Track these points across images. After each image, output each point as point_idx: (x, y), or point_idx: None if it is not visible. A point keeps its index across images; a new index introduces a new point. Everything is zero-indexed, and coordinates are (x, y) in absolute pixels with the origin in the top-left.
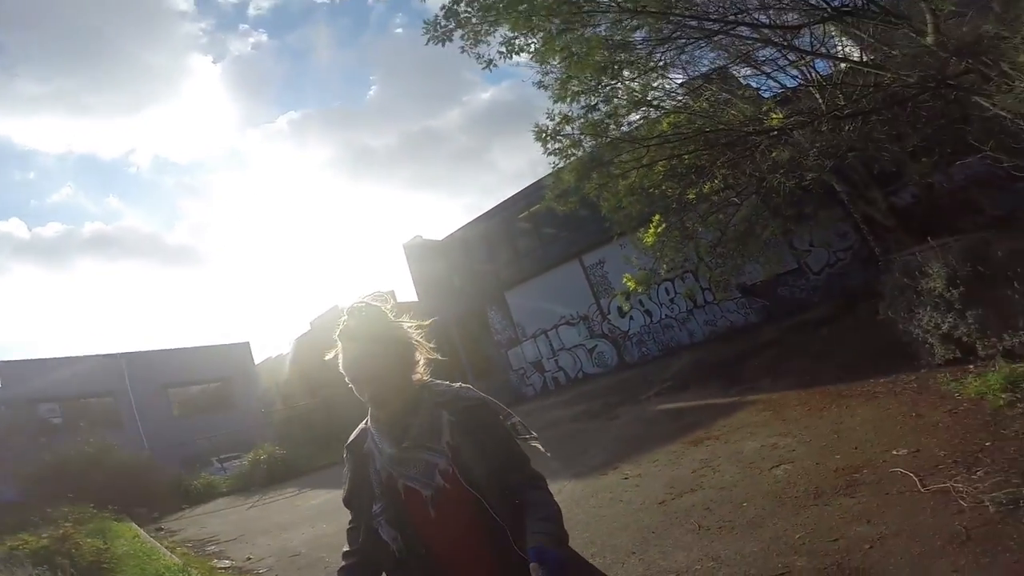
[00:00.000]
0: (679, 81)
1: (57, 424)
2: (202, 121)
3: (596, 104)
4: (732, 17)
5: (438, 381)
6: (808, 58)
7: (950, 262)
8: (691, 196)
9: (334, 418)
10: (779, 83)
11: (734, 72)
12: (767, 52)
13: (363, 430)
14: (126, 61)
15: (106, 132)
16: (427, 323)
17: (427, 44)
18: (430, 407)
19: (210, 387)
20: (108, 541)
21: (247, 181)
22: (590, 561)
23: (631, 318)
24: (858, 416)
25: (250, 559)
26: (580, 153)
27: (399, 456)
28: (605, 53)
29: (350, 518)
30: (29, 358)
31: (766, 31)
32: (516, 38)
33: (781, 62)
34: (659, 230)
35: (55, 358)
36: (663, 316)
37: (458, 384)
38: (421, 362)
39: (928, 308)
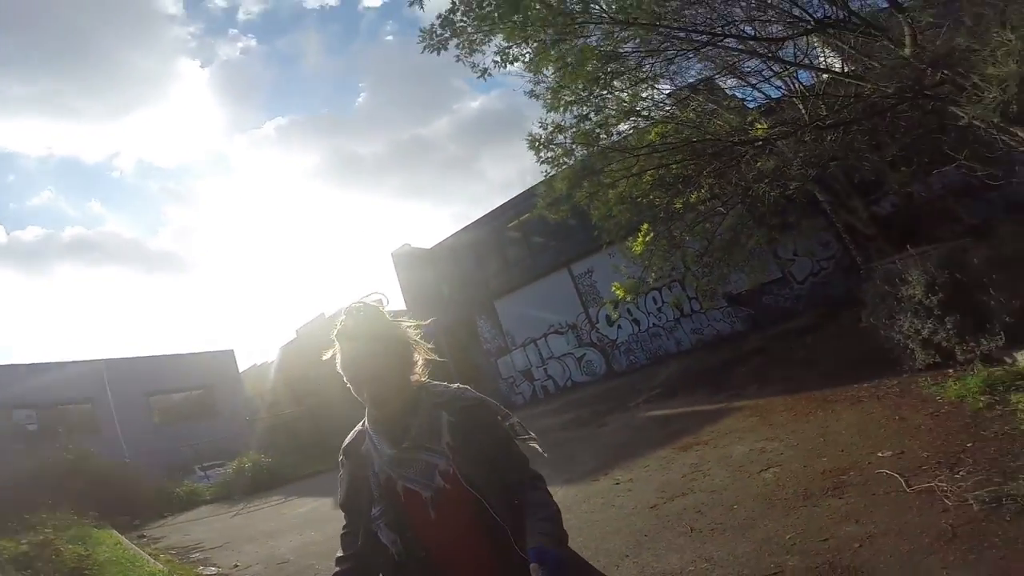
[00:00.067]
0: (667, 91)
1: (33, 431)
2: (188, 126)
3: (588, 114)
4: (719, 29)
5: (435, 382)
6: (792, 69)
7: (929, 270)
8: (678, 205)
9: (320, 426)
10: (764, 94)
11: (720, 83)
12: (752, 63)
13: (360, 432)
14: (113, 64)
15: (90, 135)
16: (426, 322)
17: (423, 52)
18: (429, 408)
19: (193, 395)
20: (89, 548)
21: (233, 187)
22: None
23: (619, 327)
24: (843, 420)
25: (237, 566)
26: (572, 162)
27: (398, 457)
28: (596, 63)
29: (344, 523)
30: (5, 364)
31: (752, 43)
32: (510, 47)
33: (766, 73)
34: (647, 239)
35: (32, 364)
36: (651, 325)
37: (456, 385)
38: (420, 363)
39: (908, 314)
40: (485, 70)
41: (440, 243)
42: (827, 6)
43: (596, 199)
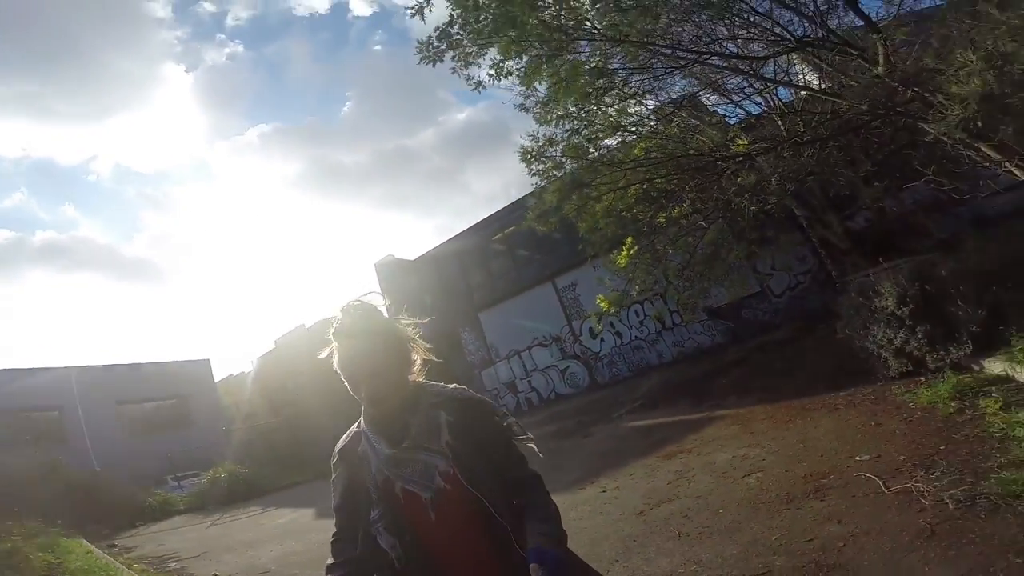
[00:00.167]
0: (652, 107)
1: None
2: (170, 131)
3: (579, 128)
4: (705, 47)
5: (432, 382)
6: (772, 86)
7: (900, 282)
8: (661, 219)
9: (298, 437)
10: (745, 110)
11: (703, 99)
12: (735, 80)
13: (355, 433)
14: (97, 66)
15: (68, 137)
16: (425, 321)
17: (420, 63)
18: (427, 407)
19: (167, 404)
20: (60, 556)
21: (212, 194)
22: None
23: (602, 340)
24: (821, 427)
25: (216, 575)
26: (561, 174)
27: (397, 457)
28: (587, 79)
29: (336, 529)
30: None
31: (735, 60)
32: (505, 61)
33: (748, 90)
34: (632, 252)
35: None
36: (633, 338)
37: (453, 385)
38: (418, 362)
39: (882, 325)
40: (479, 83)
41: (424, 254)
42: (807, 25)
43: (583, 212)
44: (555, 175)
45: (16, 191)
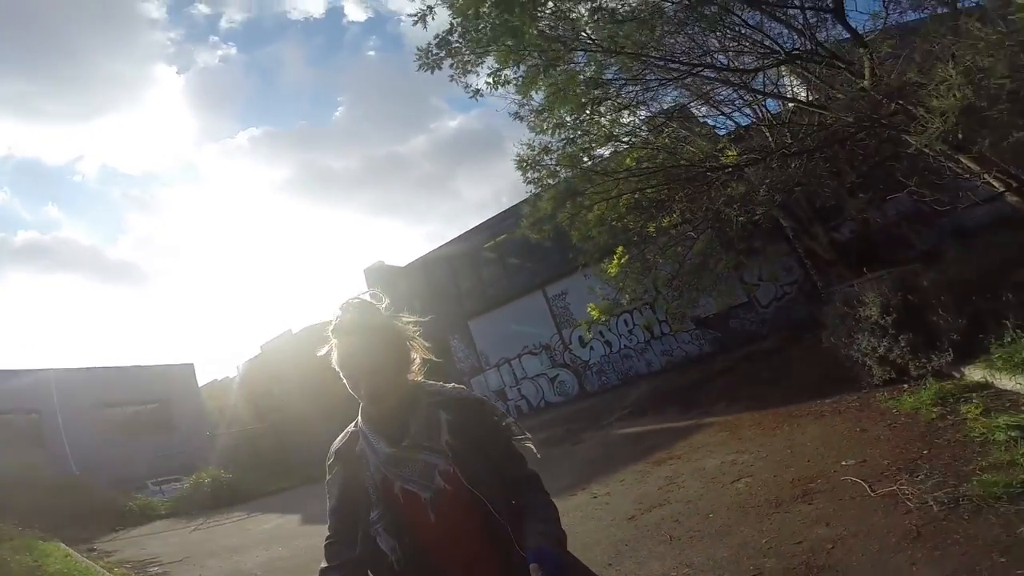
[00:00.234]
0: (643, 117)
1: None
2: (159, 132)
3: (574, 137)
4: (697, 59)
5: (431, 381)
6: (761, 98)
7: (884, 292)
8: (651, 229)
9: (284, 443)
10: (734, 121)
11: (694, 110)
12: (724, 92)
13: (353, 433)
14: (88, 66)
15: (54, 137)
16: (425, 319)
17: (418, 70)
18: (427, 406)
19: (148, 408)
20: (38, 560)
21: (200, 197)
22: None
23: (592, 348)
24: (808, 433)
25: None
26: (556, 182)
27: (397, 456)
28: (583, 88)
29: (329, 532)
30: None
31: (726, 73)
32: (502, 70)
33: (738, 103)
34: (622, 261)
35: None
36: (622, 346)
37: (451, 384)
38: (417, 360)
39: (866, 334)
40: (477, 91)
41: (414, 261)
42: (796, 37)
43: (576, 220)
44: (549, 183)
45: None
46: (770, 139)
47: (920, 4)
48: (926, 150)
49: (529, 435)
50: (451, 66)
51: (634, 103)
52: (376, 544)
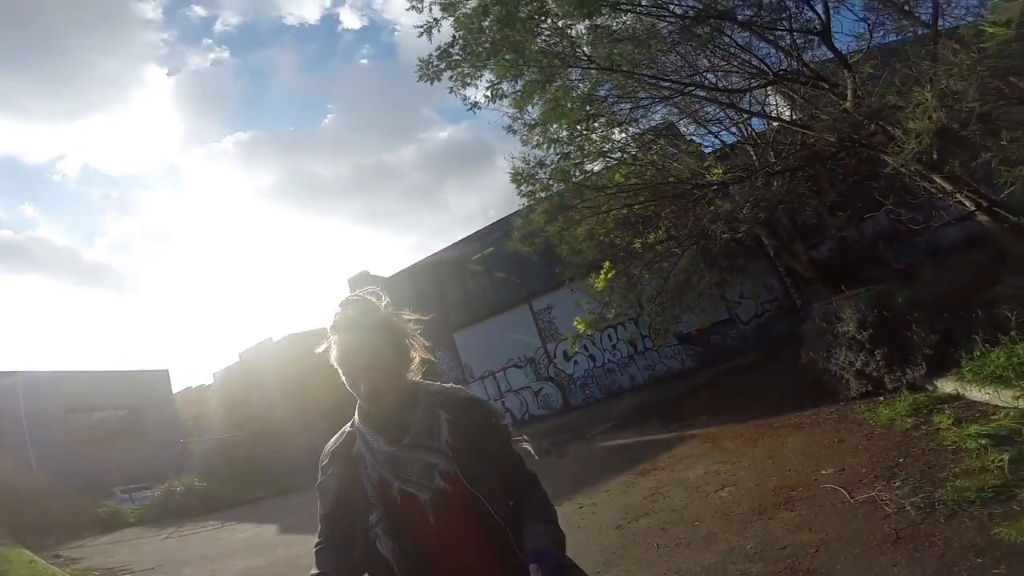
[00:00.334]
0: (633, 134)
1: None
2: (144, 134)
3: (569, 152)
4: (687, 78)
5: (429, 381)
6: (748, 117)
7: (861, 309)
8: (637, 245)
9: (261, 453)
10: (720, 140)
11: (682, 128)
12: (711, 110)
13: (348, 433)
14: (78, 65)
15: (37, 135)
16: (426, 318)
17: (419, 80)
18: (426, 405)
19: (119, 414)
20: (0, 566)
21: (181, 200)
22: None
23: (576, 362)
24: (788, 444)
25: None
26: (548, 196)
27: (397, 455)
28: (578, 104)
29: (321, 538)
30: None
31: (715, 92)
32: (500, 83)
33: (726, 122)
34: (609, 276)
35: None
36: (606, 361)
37: (449, 384)
38: (416, 359)
39: (843, 348)
40: (475, 104)
41: (399, 272)
42: (782, 57)
43: (566, 234)
44: (542, 197)
45: None
46: (754, 158)
47: (902, 28)
48: (902, 170)
49: (526, 436)
50: (450, 78)
51: (627, 120)
52: (374, 548)
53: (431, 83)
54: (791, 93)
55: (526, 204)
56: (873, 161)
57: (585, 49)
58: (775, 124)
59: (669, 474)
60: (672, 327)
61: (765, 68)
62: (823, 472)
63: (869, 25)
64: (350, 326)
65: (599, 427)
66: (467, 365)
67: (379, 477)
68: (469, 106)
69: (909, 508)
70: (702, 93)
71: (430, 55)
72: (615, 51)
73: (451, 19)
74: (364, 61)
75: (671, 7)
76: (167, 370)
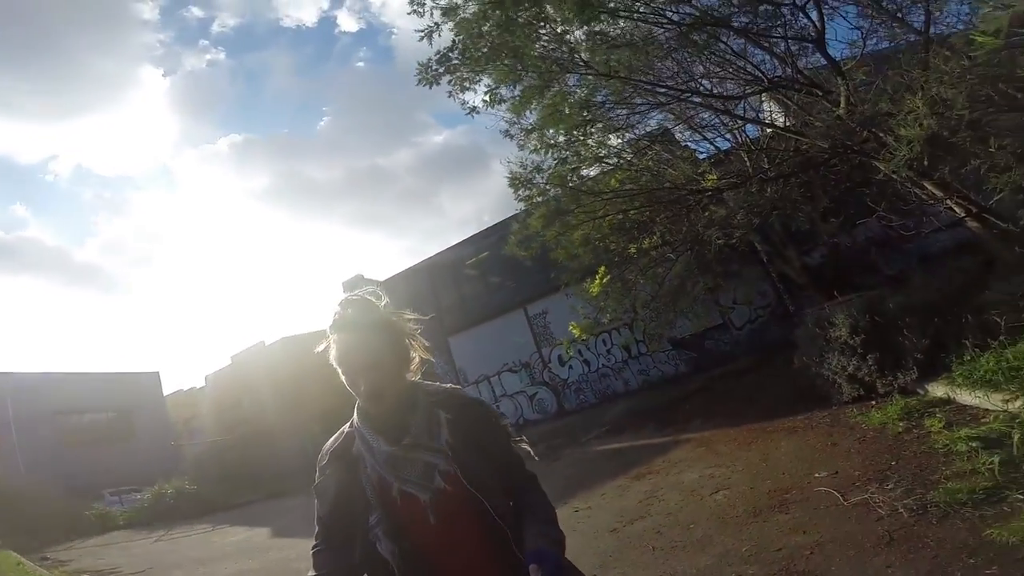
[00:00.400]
0: (629, 139)
1: None
2: (138, 134)
3: (566, 157)
4: (683, 84)
5: (427, 382)
6: (742, 123)
7: (853, 314)
8: (632, 250)
9: (252, 456)
10: (714, 146)
11: (677, 134)
12: (706, 116)
13: (347, 434)
14: (74, 64)
15: (31, 135)
16: (426, 318)
17: (418, 84)
18: (426, 405)
19: (108, 416)
20: None
21: (174, 202)
22: None
23: (571, 367)
24: (782, 447)
25: None
26: (544, 200)
27: (397, 455)
28: (576, 109)
29: (317, 540)
30: None
31: (711, 99)
32: (499, 88)
33: (721, 128)
34: (604, 281)
35: None
36: (600, 366)
37: (448, 384)
38: (416, 359)
39: (836, 353)
40: (474, 108)
41: (394, 275)
42: (777, 64)
43: (562, 239)
44: (539, 201)
45: None
46: (748, 164)
47: (895, 35)
48: (894, 176)
49: (524, 437)
50: (449, 82)
51: (623, 126)
52: (373, 549)
53: (430, 87)
54: (785, 100)
55: (523, 208)
56: (865, 167)
57: (583, 55)
58: (769, 130)
59: (664, 478)
60: (666, 332)
61: (760, 75)
62: (816, 475)
63: (863, 32)
64: (350, 325)
65: (594, 431)
66: (462, 369)
67: (378, 478)
68: (468, 110)
69: (902, 510)
70: (698, 99)
71: (429, 59)
72: (613, 57)
73: (451, 23)
74: (361, 64)
75: (668, 14)
76: (158, 372)
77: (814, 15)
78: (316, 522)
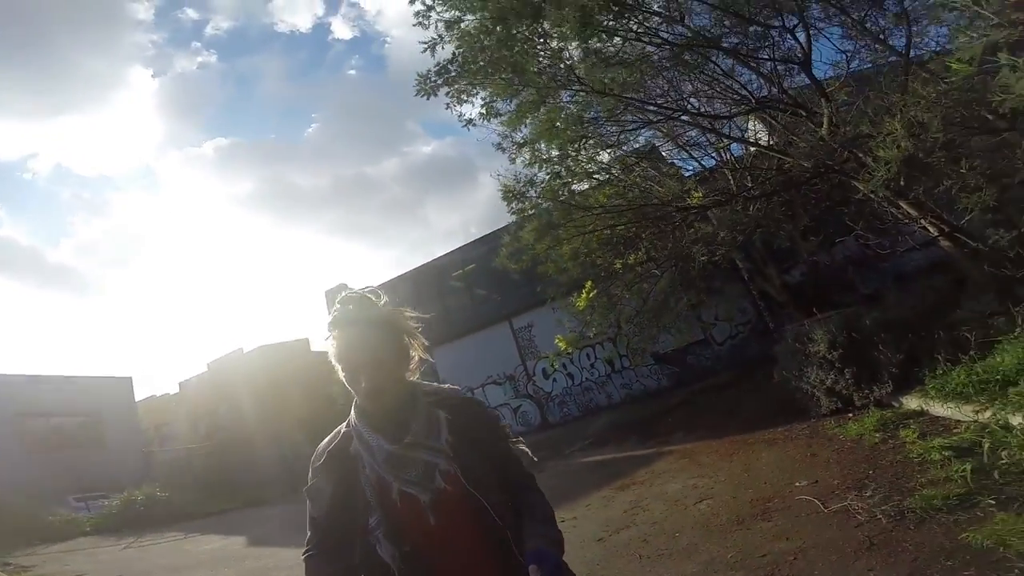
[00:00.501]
0: (617, 155)
1: None
2: (121, 135)
3: (560, 171)
4: (673, 102)
5: (426, 382)
6: (728, 142)
7: (831, 331)
8: (618, 265)
9: (228, 464)
10: (700, 164)
11: (664, 152)
12: (693, 134)
13: (344, 433)
14: (64, 64)
15: (10, 132)
16: (427, 316)
17: (416, 95)
18: (426, 404)
19: (75, 420)
20: None
21: (155, 204)
22: None
23: (555, 380)
24: (763, 458)
25: None
26: (537, 213)
27: (398, 454)
28: (570, 124)
29: (310, 544)
30: None
31: (699, 118)
32: (495, 101)
33: (708, 148)
34: (591, 295)
35: None
36: (584, 379)
37: (447, 384)
38: (416, 358)
39: (814, 368)
40: (470, 120)
41: (378, 286)
42: (763, 84)
43: (552, 253)
44: (531, 214)
45: None
46: (732, 182)
47: (878, 57)
48: (872, 195)
49: (521, 438)
50: (447, 94)
51: (615, 143)
52: (372, 552)
53: (428, 98)
54: (770, 119)
55: (514, 221)
56: (844, 187)
57: (579, 73)
58: (753, 149)
59: (648, 488)
60: (649, 347)
61: (748, 94)
62: (797, 484)
63: (847, 55)
64: (352, 321)
65: (577, 444)
66: (445, 381)
67: (378, 478)
68: (464, 122)
69: (880, 516)
70: (686, 118)
71: (428, 71)
72: (609, 75)
73: (454, 35)
74: (352, 72)
75: (662, 33)
76: (130, 378)
77: (802, 37)
78: (308, 525)
